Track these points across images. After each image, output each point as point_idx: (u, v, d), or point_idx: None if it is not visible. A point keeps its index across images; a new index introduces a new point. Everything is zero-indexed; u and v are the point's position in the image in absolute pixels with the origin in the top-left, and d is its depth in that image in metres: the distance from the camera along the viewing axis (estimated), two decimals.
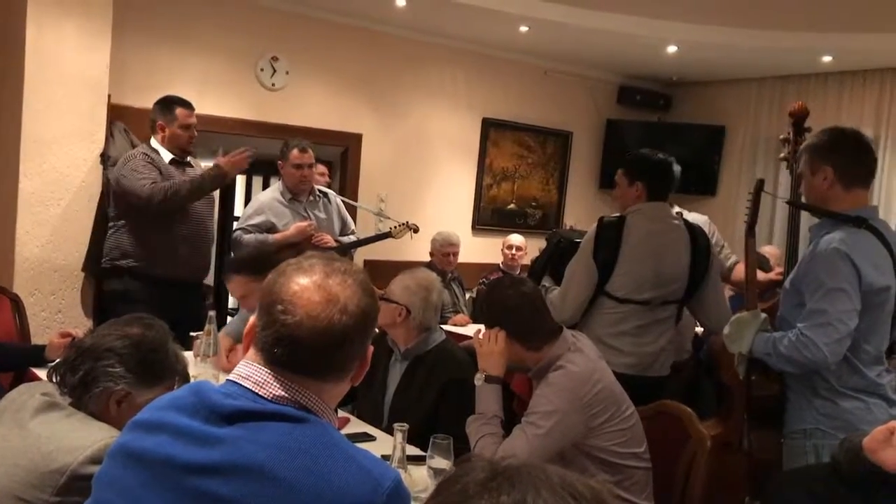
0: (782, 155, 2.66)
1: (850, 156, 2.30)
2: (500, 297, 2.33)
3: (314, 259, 1.22)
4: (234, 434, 1.11)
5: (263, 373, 1.17)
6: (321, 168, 4.86)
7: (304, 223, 4.13)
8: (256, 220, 4.14)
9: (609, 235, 2.96)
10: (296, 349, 1.15)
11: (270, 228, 4.13)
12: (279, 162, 4.23)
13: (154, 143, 3.80)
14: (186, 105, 3.82)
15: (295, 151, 4.16)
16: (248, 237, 4.05)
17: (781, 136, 2.68)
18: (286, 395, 1.15)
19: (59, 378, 1.66)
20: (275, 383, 1.16)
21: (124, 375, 1.64)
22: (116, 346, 1.66)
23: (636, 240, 2.94)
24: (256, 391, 1.15)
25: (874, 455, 1.57)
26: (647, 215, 3.00)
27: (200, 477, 1.09)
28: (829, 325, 2.16)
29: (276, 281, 1.19)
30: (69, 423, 1.56)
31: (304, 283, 1.17)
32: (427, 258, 5.20)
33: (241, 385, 1.17)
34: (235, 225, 4.17)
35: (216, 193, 4.21)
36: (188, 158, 3.88)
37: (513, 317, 2.27)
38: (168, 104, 3.81)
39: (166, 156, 3.77)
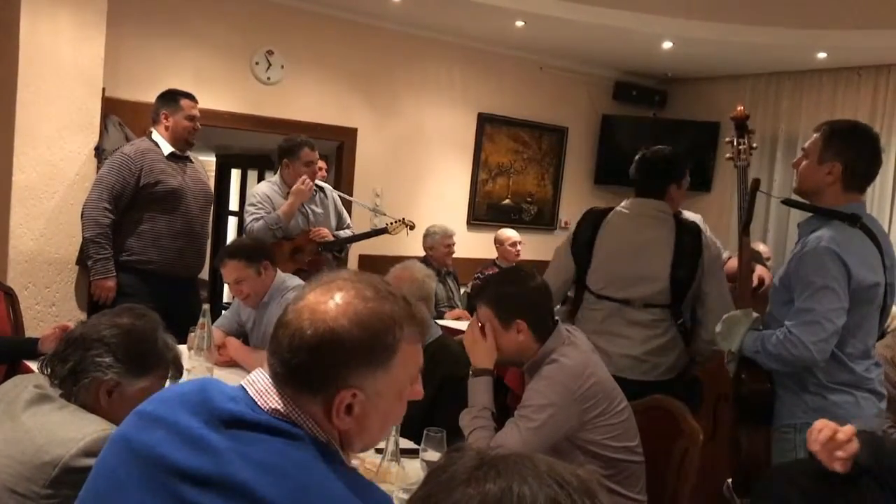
0: (728, 155, 2.68)
1: (864, 161, 2.26)
2: (522, 290, 2.27)
3: (339, 279, 1.20)
4: (227, 445, 1.10)
5: (267, 382, 1.17)
6: (320, 163, 4.84)
7: (299, 181, 4.04)
8: (265, 209, 4.13)
9: (586, 228, 2.99)
10: (279, 359, 1.15)
11: None
12: (285, 160, 4.16)
13: (155, 135, 3.79)
14: (190, 97, 3.84)
15: (307, 150, 4.13)
16: (259, 223, 4.04)
17: (727, 139, 2.71)
18: (282, 409, 1.14)
19: (49, 370, 1.66)
20: (275, 395, 1.15)
21: (113, 365, 1.63)
22: (105, 335, 1.66)
23: (608, 235, 2.94)
24: (256, 399, 1.15)
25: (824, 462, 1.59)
26: (627, 212, 2.99)
27: (187, 485, 1.09)
28: (817, 324, 2.16)
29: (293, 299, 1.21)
30: (61, 416, 1.56)
31: (303, 303, 1.17)
32: (421, 253, 5.19)
33: (245, 391, 1.17)
34: (247, 218, 4.13)
35: (212, 188, 4.18)
36: (187, 153, 3.87)
37: (533, 309, 2.24)
38: (173, 95, 3.83)
39: (166, 149, 3.76)
